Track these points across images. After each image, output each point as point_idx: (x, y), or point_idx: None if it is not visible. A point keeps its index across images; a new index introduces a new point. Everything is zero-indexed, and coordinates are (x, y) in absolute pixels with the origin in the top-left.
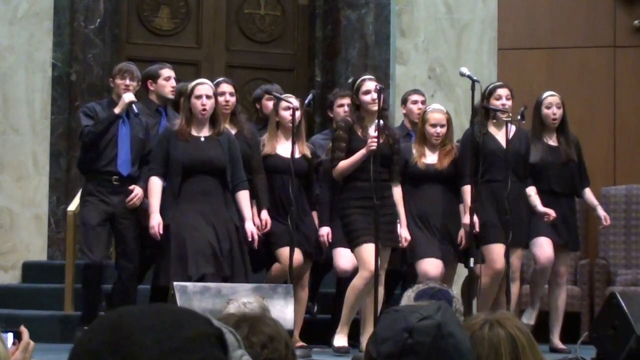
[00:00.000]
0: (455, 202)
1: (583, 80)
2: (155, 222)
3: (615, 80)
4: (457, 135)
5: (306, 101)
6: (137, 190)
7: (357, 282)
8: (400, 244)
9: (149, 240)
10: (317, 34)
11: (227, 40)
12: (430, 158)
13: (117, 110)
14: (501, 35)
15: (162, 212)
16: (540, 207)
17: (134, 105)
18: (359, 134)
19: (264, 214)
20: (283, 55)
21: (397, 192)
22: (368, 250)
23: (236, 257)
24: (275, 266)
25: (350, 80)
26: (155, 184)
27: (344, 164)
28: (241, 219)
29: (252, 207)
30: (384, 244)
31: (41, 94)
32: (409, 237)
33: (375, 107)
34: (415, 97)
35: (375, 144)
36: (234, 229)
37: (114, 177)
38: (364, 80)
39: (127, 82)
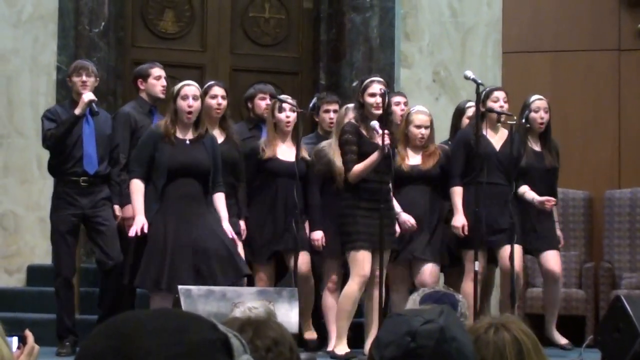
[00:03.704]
0: (439, 204)
1: (588, 83)
2: (140, 222)
3: (620, 83)
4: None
5: (310, 105)
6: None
7: (351, 289)
8: (405, 230)
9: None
10: (322, 37)
11: (231, 44)
12: (414, 159)
13: (77, 111)
14: (506, 39)
15: (145, 214)
16: (538, 197)
17: (93, 104)
18: (365, 134)
19: (242, 224)
20: (287, 59)
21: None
22: (365, 256)
23: (224, 256)
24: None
25: (355, 84)
26: (138, 186)
27: (359, 167)
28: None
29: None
30: (385, 247)
31: (45, 97)
32: (412, 221)
33: (378, 111)
34: (397, 98)
35: (388, 142)
36: (220, 229)
37: (82, 178)
38: (372, 81)
39: (84, 78)
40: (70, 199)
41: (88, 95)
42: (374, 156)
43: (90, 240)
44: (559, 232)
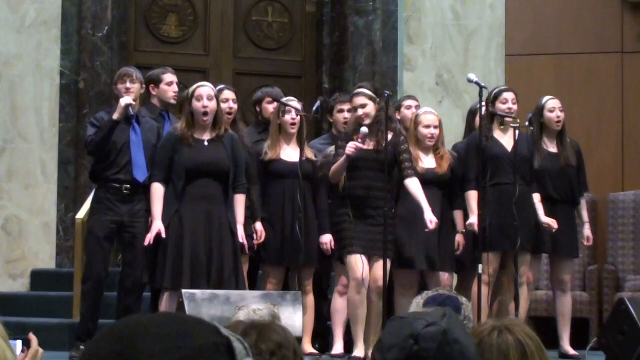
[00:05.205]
0: (449, 208)
1: (591, 86)
2: (156, 228)
3: (623, 86)
4: (456, 140)
5: (314, 108)
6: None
7: (351, 294)
8: (426, 229)
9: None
10: (325, 41)
11: (234, 48)
12: (428, 162)
13: (115, 116)
14: (509, 42)
15: (163, 214)
16: (542, 217)
17: (130, 109)
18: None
19: (259, 225)
20: (291, 62)
21: (413, 183)
22: (355, 260)
23: (227, 268)
24: (268, 287)
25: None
26: (158, 190)
27: (331, 169)
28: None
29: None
30: (374, 253)
31: (49, 102)
32: (434, 220)
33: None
34: (409, 102)
35: (352, 149)
36: (230, 239)
37: (125, 185)
38: (354, 94)
39: (128, 85)
40: (110, 204)
41: (125, 100)
42: (341, 160)
43: (121, 251)
44: (588, 233)
